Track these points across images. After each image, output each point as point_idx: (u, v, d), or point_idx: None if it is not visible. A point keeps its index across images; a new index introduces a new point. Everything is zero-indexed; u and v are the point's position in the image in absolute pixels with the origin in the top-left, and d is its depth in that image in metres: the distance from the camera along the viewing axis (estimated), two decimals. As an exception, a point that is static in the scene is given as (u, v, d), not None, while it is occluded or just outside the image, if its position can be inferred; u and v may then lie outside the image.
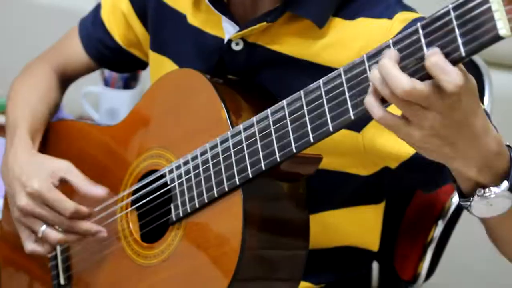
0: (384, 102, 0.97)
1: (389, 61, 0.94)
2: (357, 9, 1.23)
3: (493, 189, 1.03)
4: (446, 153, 0.99)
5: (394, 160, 1.22)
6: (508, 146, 1.05)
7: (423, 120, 0.95)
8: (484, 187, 1.04)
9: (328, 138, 1.09)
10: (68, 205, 1.31)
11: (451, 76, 0.91)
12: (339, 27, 1.23)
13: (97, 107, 2.32)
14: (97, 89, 2.28)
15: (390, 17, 1.21)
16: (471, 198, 1.04)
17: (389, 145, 1.20)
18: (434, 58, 0.91)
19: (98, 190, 1.33)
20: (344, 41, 1.22)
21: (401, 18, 1.20)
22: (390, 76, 0.93)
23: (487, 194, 1.03)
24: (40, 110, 1.48)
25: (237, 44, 1.28)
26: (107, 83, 2.27)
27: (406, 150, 1.19)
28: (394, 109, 0.97)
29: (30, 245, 1.36)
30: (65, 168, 1.35)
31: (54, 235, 1.33)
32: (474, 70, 1.59)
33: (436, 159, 1.01)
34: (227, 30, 1.30)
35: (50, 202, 1.32)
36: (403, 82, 0.92)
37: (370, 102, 0.97)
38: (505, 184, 1.02)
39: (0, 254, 1.54)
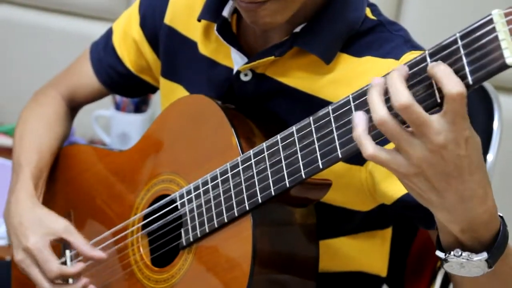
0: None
1: (397, 73, 0.93)
2: (365, 47, 1.23)
3: (472, 255, 1.01)
4: (432, 201, 0.97)
5: (387, 198, 1.21)
6: (501, 217, 1.02)
7: (411, 147, 0.93)
8: (463, 247, 1.01)
9: (331, 172, 1.09)
10: (53, 267, 1.31)
11: (454, 80, 0.90)
12: (346, 64, 1.24)
13: (108, 130, 2.33)
14: (108, 113, 2.30)
15: (397, 57, 1.20)
16: (447, 254, 1.02)
17: (384, 183, 1.20)
18: (442, 65, 0.91)
19: (97, 253, 1.33)
20: (349, 79, 1.22)
21: (409, 59, 1.18)
22: (392, 88, 0.92)
23: (463, 259, 1.01)
24: (48, 141, 1.48)
25: (245, 75, 1.29)
26: (118, 107, 2.28)
27: (397, 191, 1.18)
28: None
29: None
30: (64, 229, 1.35)
31: None
32: (483, 94, 1.60)
33: (422, 203, 0.99)
34: (236, 61, 1.31)
35: (39, 262, 1.33)
36: (405, 95, 0.91)
37: (360, 136, 0.95)
38: (484, 255, 1.00)
39: (12, 275, 1.54)
